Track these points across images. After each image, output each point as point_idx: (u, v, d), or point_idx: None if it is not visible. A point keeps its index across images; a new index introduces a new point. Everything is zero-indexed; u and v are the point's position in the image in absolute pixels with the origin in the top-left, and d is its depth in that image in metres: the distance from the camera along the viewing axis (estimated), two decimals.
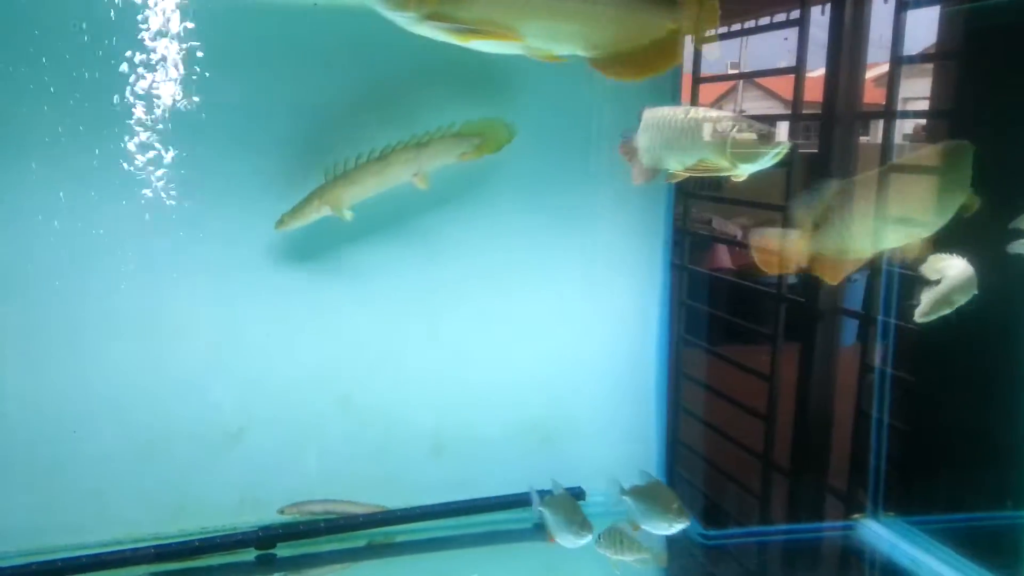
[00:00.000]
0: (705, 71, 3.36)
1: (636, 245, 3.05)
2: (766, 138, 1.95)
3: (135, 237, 2.54)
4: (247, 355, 2.69)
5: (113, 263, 2.55)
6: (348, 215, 2.57)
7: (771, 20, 3.64)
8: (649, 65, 1.97)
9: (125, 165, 2.46)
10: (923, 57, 2.96)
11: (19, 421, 2.57)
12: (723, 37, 3.27)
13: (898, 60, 2.80)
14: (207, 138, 2.52)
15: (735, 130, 1.94)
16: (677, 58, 2.00)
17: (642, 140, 2.11)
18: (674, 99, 3.07)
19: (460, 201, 2.82)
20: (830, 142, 3.03)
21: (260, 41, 2.57)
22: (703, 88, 3.36)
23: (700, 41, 1.99)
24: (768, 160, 1.96)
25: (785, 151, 1.93)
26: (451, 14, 1.84)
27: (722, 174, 2.00)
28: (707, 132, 1.97)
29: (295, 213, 2.54)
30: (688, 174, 2.05)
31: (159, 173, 2.49)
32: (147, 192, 2.49)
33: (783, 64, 3.75)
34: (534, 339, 2.92)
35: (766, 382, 3.17)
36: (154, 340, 2.61)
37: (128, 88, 2.43)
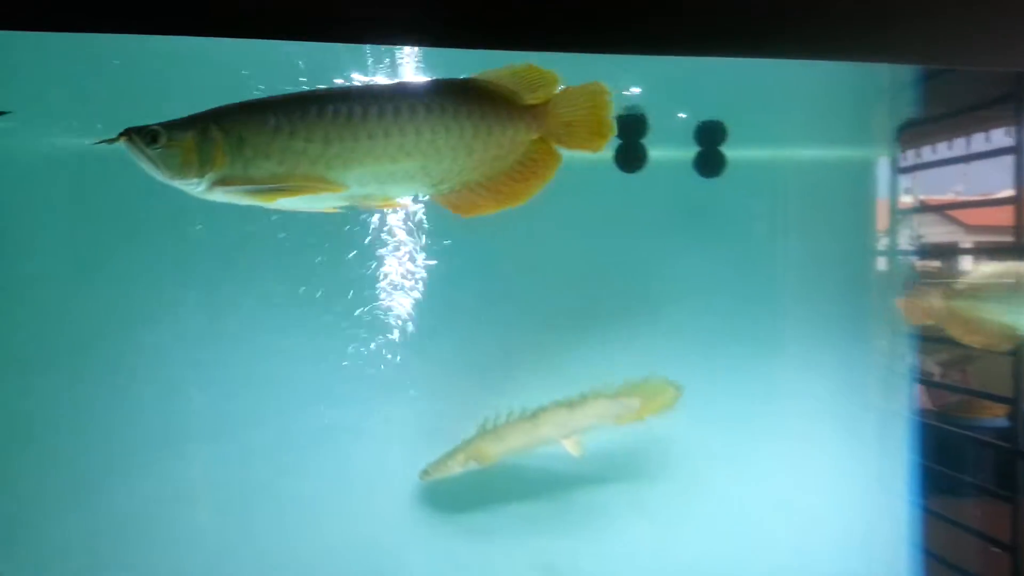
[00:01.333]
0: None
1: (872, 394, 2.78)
2: None
3: None
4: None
5: None
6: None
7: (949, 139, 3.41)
8: (512, 191, 1.63)
9: None
10: None
11: None
12: (928, 166, 3.04)
13: None
14: None
15: None
16: (548, 174, 1.63)
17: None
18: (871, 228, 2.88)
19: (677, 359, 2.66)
20: None
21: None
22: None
23: (586, 147, 1.63)
24: None
25: None
26: (245, 175, 1.55)
27: None
28: None
29: (440, 465, 2.49)
30: None
31: None
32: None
33: (959, 185, 3.49)
34: (756, 508, 2.63)
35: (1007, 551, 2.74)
36: None
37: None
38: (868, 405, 2.90)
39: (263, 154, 1.54)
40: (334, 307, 2.49)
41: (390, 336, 2.51)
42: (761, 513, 2.71)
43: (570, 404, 2.48)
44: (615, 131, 1.64)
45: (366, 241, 2.47)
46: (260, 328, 2.52)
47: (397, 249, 2.50)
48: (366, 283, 2.48)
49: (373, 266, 2.47)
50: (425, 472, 2.51)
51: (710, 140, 2.52)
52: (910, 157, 3.06)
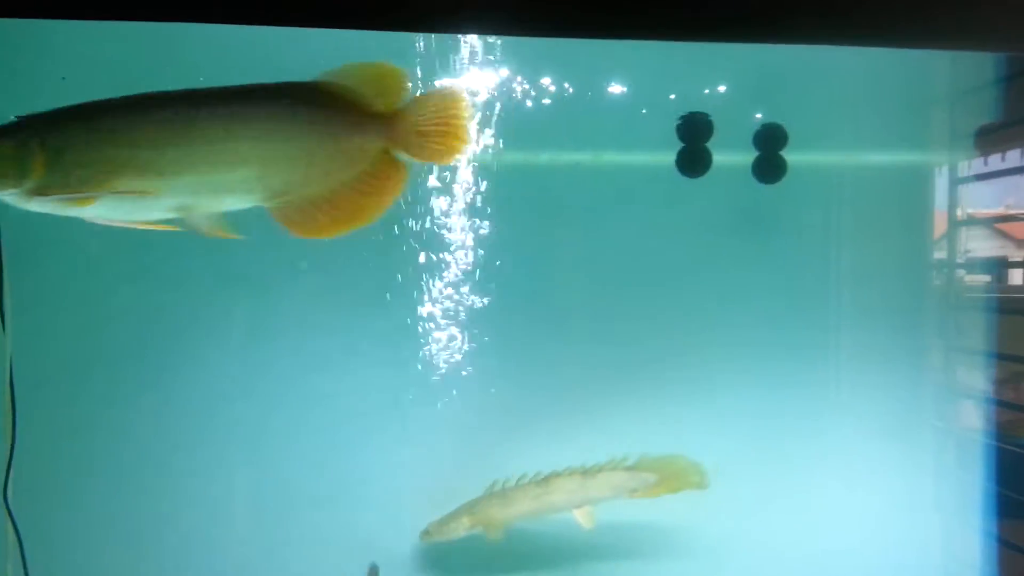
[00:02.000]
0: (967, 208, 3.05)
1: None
2: None
3: None
4: None
5: None
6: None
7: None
8: (358, 207, 1.47)
9: None
10: None
11: None
12: (996, 175, 2.95)
13: None
14: None
15: None
16: (396, 188, 1.48)
17: None
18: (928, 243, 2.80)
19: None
20: None
21: None
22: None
23: (440, 159, 1.48)
24: None
25: None
26: (65, 183, 1.41)
27: None
28: None
29: (443, 526, 2.37)
30: None
31: None
32: None
33: (1011, 198, 3.42)
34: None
35: None
36: None
37: None
38: (931, 426, 2.81)
39: (84, 162, 1.42)
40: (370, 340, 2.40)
41: (422, 376, 2.43)
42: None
43: (584, 472, 2.38)
44: (471, 141, 1.54)
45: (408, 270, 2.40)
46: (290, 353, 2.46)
47: (435, 278, 2.42)
48: (401, 318, 2.40)
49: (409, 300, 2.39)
50: (427, 532, 2.38)
51: (769, 144, 2.44)
52: (974, 166, 2.98)
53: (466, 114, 1.47)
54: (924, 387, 2.89)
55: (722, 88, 2.19)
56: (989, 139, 2.82)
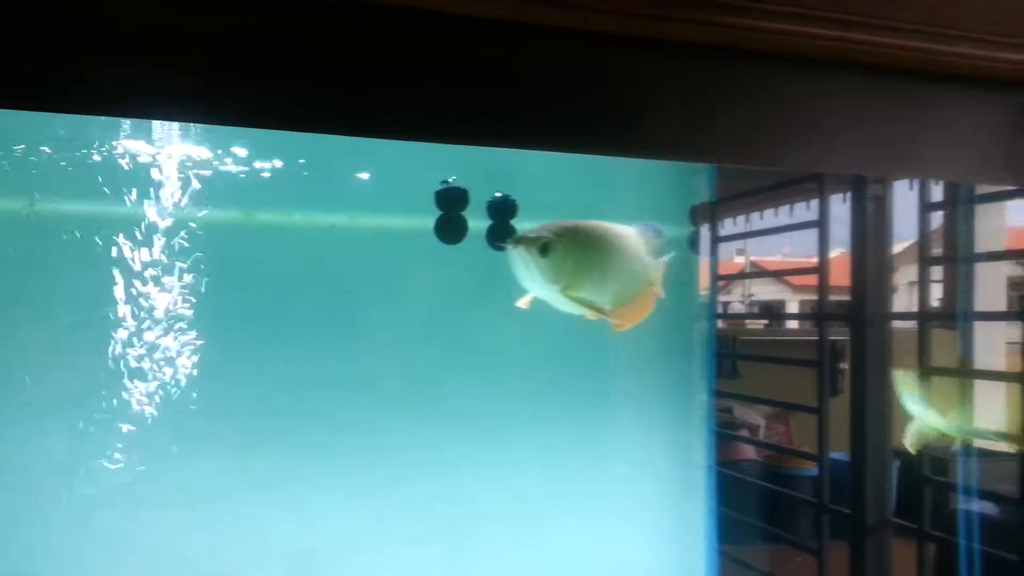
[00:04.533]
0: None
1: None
2: None
3: None
4: None
5: None
6: None
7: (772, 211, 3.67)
8: None
9: None
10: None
11: None
12: (737, 237, 3.22)
13: (928, 260, 2.74)
14: None
15: None
16: None
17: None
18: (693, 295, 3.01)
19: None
20: (862, 342, 2.92)
21: None
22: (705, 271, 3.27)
23: None
24: None
25: None
26: None
27: None
28: None
29: None
30: None
31: None
32: None
33: (787, 247, 3.72)
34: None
35: None
36: None
37: None
38: (700, 465, 2.98)
39: None
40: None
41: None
42: None
43: None
44: None
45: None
46: None
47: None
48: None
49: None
50: None
51: (500, 214, 2.55)
52: (726, 227, 3.24)
53: None
54: (693, 428, 3.04)
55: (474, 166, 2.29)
56: (704, 211, 3.09)
